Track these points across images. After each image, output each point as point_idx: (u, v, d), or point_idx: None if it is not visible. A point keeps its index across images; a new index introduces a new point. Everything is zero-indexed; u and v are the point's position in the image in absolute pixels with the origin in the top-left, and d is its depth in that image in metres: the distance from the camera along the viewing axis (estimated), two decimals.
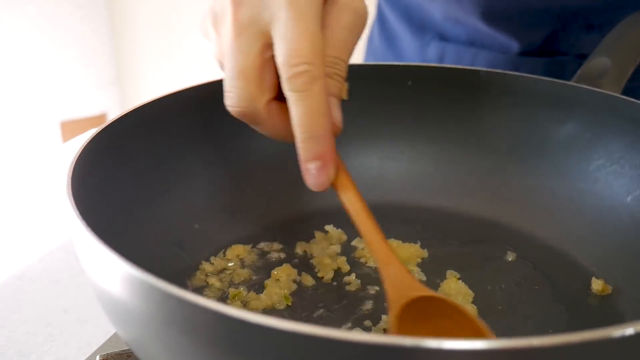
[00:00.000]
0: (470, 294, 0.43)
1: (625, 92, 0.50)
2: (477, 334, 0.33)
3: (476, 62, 0.66)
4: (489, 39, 0.65)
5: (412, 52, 0.71)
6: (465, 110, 0.55)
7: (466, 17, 0.64)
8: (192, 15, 1.85)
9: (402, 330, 0.34)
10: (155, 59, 1.99)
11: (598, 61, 0.53)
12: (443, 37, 0.68)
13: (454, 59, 0.67)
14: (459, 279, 0.45)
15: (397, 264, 0.37)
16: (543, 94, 0.52)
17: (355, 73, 0.55)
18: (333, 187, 0.38)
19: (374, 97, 0.56)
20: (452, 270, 0.46)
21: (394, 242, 0.48)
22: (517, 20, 0.62)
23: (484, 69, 0.55)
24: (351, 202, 0.38)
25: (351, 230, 0.50)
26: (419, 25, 0.70)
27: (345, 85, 0.39)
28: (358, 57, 0.84)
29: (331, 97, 0.37)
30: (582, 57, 0.61)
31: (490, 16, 0.62)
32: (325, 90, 0.35)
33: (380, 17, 0.76)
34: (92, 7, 1.95)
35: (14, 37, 1.80)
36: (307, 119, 0.35)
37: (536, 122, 0.53)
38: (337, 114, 0.38)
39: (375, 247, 0.37)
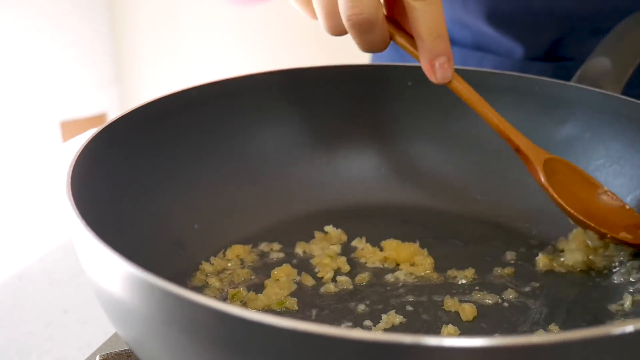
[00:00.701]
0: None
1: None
2: (592, 191, 0.47)
3: (482, 66, 0.65)
4: (494, 43, 0.64)
5: None
6: (465, 111, 0.55)
7: (471, 19, 0.64)
8: (193, 15, 1.85)
9: (550, 180, 0.46)
10: (155, 59, 1.99)
11: (598, 61, 0.53)
12: (450, 41, 0.68)
13: (460, 63, 0.67)
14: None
15: (523, 137, 0.46)
16: (543, 94, 0.52)
17: (356, 74, 0.56)
18: (452, 85, 0.44)
19: (375, 97, 0.56)
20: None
21: (394, 242, 0.48)
22: (522, 24, 0.62)
23: (484, 69, 0.55)
24: (470, 92, 0.45)
25: (351, 230, 0.50)
26: None
27: None
28: (365, 58, 0.84)
29: None
30: None
31: (495, 19, 0.62)
32: None
33: None
34: (92, 7, 1.95)
35: (14, 37, 1.80)
36: (435, 22, 0.40)
37: (536, 122, 0.53)
38: None
39: (503, 124, 0.45)
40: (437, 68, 0.42)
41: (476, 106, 0.45)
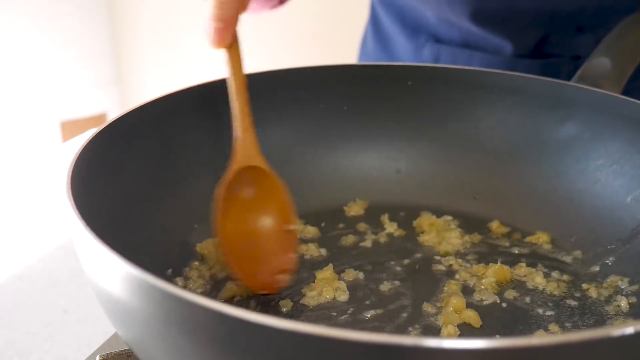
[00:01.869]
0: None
1: (626, 92, 0.50)
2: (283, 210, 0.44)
3: (471, 64, 0.66)
4: (482, 40, 0.65)
5: (407, 55, 0.71)
6: (465, 110, 0.55)
7: (458, 19, 0.64)
8: (192, 15, 1.85)
9: (229, 184, 0.43)
10: (155, 59, 1.99)
11: (598, 61, 0.52)
12: (438, 39, 0.68)
13: (449, 61, 0.67)
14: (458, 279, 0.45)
15: (252, 135, 0.44)
16: (543, 94, 0.52)
17: (356, 73, 0.56)
18: (226, 54, 0.45)
19: (375, 97, 0.56)
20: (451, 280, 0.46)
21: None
22: (507, 23, 0.62)
23: (484, 69, 0.55)
24: (234, 72, 0.44)
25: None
26: (414, 28, 0.70)
27: None
28: (352, 59, 0.85)
29: None
30: (577, 59, 0.61)
31: (480, 18, 0.62)
32: None
33: (374, 20, 0.76)
34: (92, 7, 1.95)
35: (14, 37, 1.80)
36: None
37: (536, 122, 0.53)
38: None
39: (242, 115, 0.44)
40: (212, 31, 0.44)
41: (234, 80, 0.45)
